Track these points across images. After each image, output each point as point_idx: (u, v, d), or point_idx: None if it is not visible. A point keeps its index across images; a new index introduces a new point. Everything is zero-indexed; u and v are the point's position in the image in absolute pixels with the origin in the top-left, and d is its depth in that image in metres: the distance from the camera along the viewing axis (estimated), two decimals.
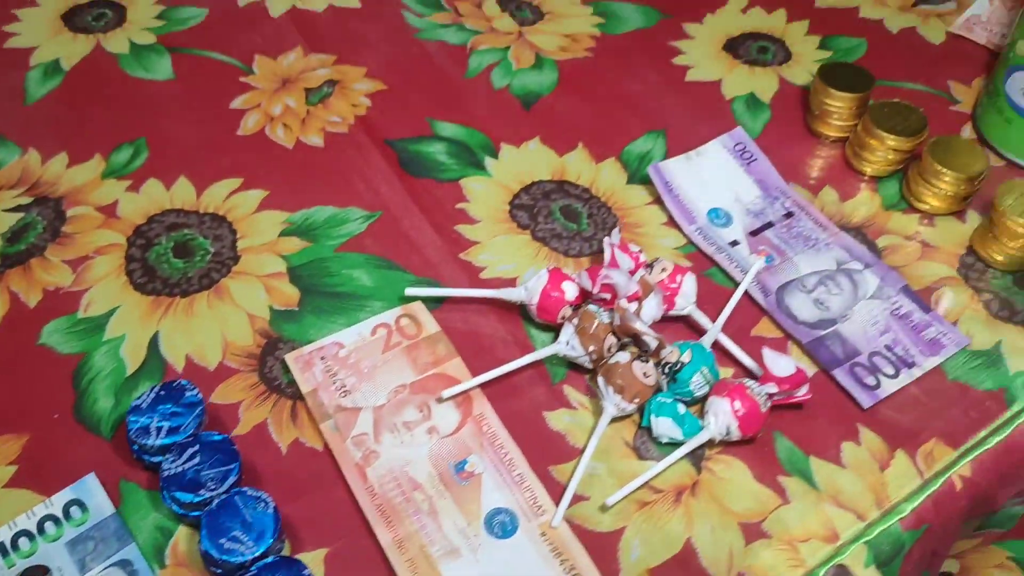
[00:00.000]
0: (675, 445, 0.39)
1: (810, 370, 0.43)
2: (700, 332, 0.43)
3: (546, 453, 0.40)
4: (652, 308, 0.41)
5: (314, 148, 0.52)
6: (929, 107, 0.55)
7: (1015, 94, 0.49)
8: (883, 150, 0.49)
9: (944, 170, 0.47)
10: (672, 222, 0.49)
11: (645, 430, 0.40)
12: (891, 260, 0.47)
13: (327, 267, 0.47)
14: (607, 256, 0.43)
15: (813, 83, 0.52)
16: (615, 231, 0.44)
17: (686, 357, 0.39)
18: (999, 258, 0.45)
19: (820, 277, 0.45)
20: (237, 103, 0.55)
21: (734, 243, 0.47)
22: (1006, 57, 0.50)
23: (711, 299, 0.45)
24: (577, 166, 0.52)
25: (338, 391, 0.41)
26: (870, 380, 0.41)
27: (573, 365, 0.42)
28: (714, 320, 0.43)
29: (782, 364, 0.39)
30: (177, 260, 0.47)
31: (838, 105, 0.51)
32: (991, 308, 0.45)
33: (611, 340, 0.40)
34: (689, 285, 0.42)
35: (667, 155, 0.52)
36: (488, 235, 0.48)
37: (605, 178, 0.51)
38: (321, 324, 0.44)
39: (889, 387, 0.41)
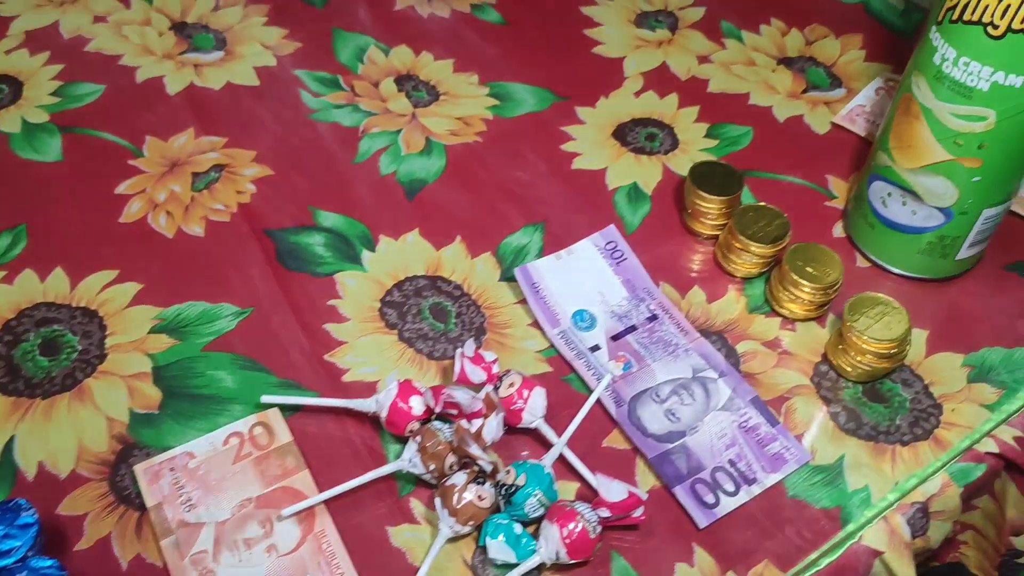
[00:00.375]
0: (512, 565, 0.40)
1: (657, 485, 0.44)
2: (549, 445, 0.44)
3: (385, 571, 0.40)
4: (493, 428, 0.41)
5: (194, 238, 0.53)
6: (805, 202, 0.56)
7: (876, 201, 0.50)
8: (748, 254, 0.50)
9: (800, 280, 0.48)
10: (538, 323, 0.50)
11: (483, 549, 0.41)
12: (749, 367, 0.48)
13: (193, 367, 0.47)
14: (457, 369, 0.44)
15: (686, 182, 0.53)
16: (469, 342, 0.44)
17: (521, 480, 0.40)
18: (849, 369, 0.46)
19: (674, 386, 0.46)
20: (122, 188, 0.55)
21: (595, 348, 0.48)
22: (869, 163, 0.51)
23: (569, 405, 0.46)
24: (453, 261, 0.53)
25: (183, 505, 0.41)
26: (709, 498, 0.42)
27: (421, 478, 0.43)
28: (562, 432, 0.44)
29: (614, 489, 0.40)
30: (43, 358, 0.47)
31: (707, 206, 0.52)
32: (838, 420, 0.46)
33: (452, 459, 0.41)
34: (537, 400, 0.43)
35: (543, 249, 0.53)
36: (355, 335, 0.49)
37: (479, 274, 0.52)
38: (179, 429, 0.45)
39: (728, 505, 0.42)
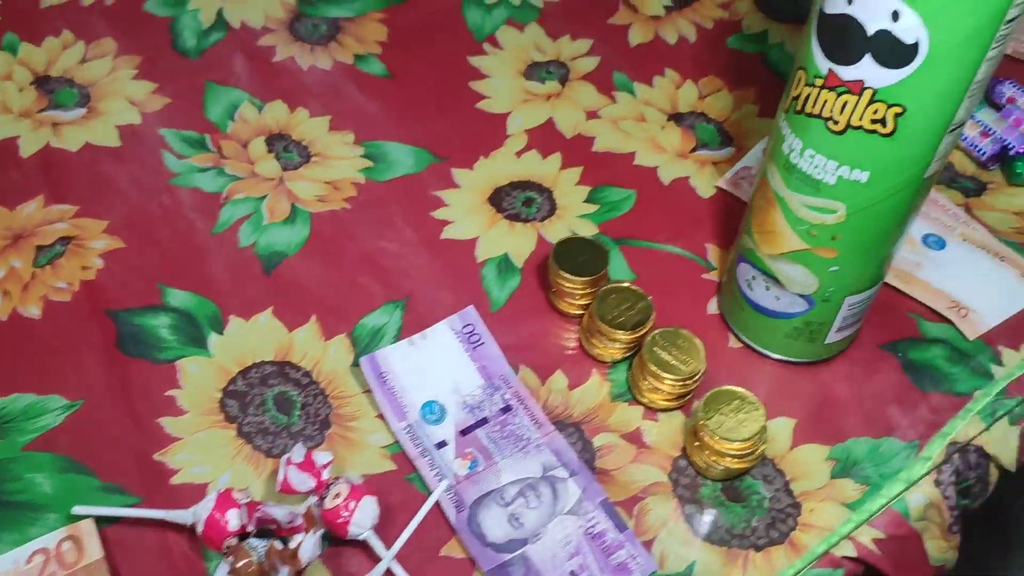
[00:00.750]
0: None
1: None
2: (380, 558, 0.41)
3: None
4: (310, 548, 0.39)
5: (30, 320, 0.50)
6: (682, 274, 0.54)
7: (743, 283, 0.48)
8: (609, 340, 0.48)
9: (659, 371, 0.45)
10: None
11: None
12: (604, 462, 0.46)
13: (9, 470, 0.44)
14: (280, 478, 0.41)
15: (549, 260, 0.50)
16: (298, 447, 0.42)
17: None
18: (704, 467, 0.44)
19: (522, 487, 0.44)
20: None
21: (442, 444, 0.45)
22: (737, 242, 0.48)
23: (412, 508, 0.43)
24: (305, 344, 0.50)
25: None
26: None
27: None
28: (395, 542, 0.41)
29: None
30: None
31: (569, 286, 0.49)
32: (692, 522, 0.44)
33: None
34: (364, 511, 0.40)
35: (401, 330, 0.50)
36: (191, 430, 0.46)
37: (331, 358, 0.49)
38: None
39: None
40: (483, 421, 0.46)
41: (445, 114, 0.62)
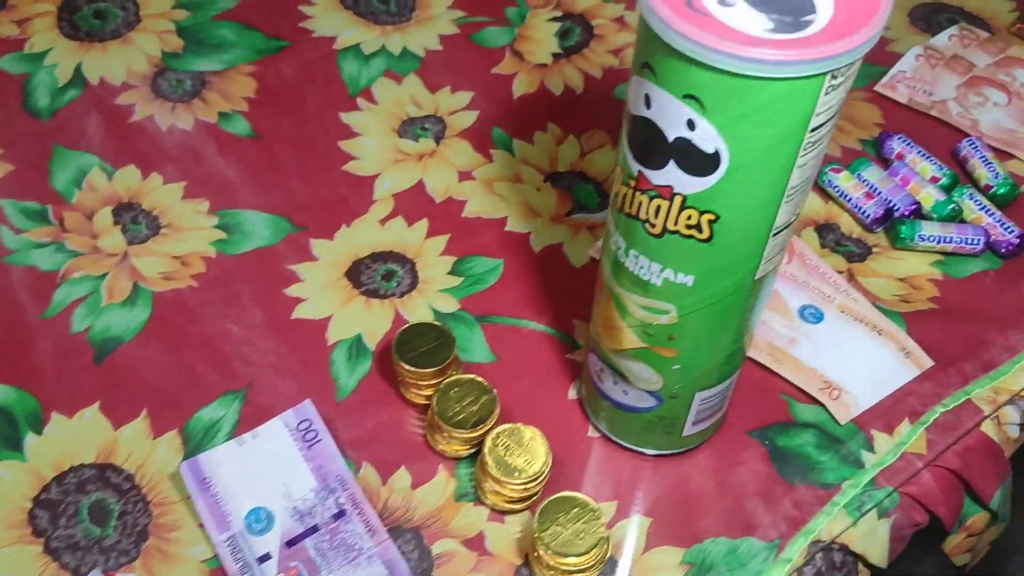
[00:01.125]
0: None
1: None
2: None
3: None
4: None
5: None
6: (545, 354, 0.51)
7: (594, 374, 0.45)
8: (451, 436, 0.45)
9: (499, 474, 0.42)
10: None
11: None
12: (442, 572, 0.42)
13: None
14: None
15: (391, 348, 0.47)
16: (94, 573, 0.39)
17: None
18: None
19: None
20: None
21: (265, 558, 0.42)
22: (589, 331, 0.46)
23: None
24: (131, 443, 0.46)
25: None
26: None
27: None
28: None
29: None
30: None
31: (412, 378, 0.46)
32: None
33: None
34: None
35: (238, 424, 0.47)
36: None
37: (158, 459, 0.46)
38: None
39: None
40: (313, 529, 0.43)
41: (309, 178, 0.59)
